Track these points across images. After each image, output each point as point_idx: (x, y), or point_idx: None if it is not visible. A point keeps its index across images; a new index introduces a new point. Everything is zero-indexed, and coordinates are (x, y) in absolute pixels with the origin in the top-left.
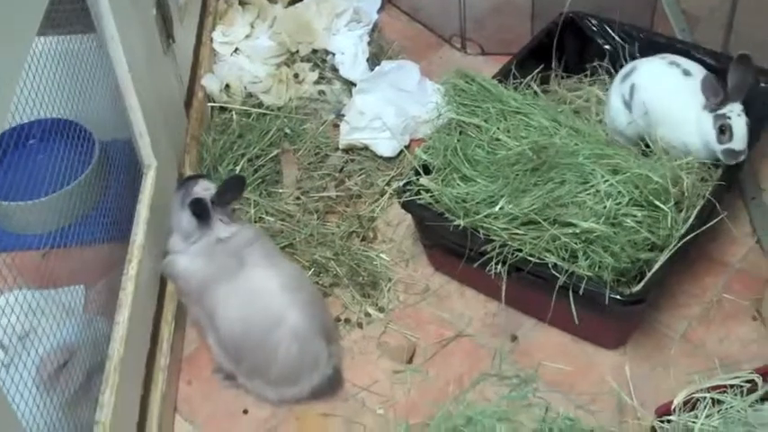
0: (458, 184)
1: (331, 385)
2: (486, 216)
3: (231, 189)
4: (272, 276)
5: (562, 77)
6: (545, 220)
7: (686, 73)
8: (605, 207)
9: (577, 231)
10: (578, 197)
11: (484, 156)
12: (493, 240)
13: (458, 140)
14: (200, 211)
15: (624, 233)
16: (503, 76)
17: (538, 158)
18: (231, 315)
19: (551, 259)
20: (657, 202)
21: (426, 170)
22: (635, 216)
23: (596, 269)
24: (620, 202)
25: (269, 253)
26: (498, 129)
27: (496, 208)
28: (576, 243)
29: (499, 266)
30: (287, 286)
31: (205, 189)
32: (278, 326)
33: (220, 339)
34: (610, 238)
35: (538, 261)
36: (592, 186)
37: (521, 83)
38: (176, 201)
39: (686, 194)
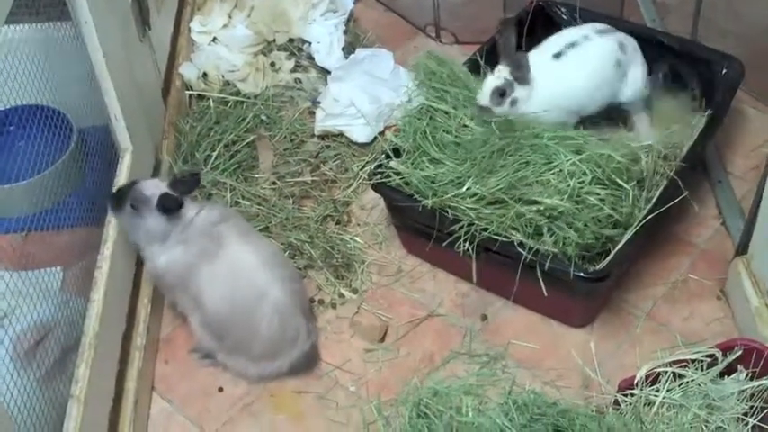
0: (426, 167)
1: (308, 361)
2: (453, 196)
3: (186, 183)
4: (251, 252)
5: None
6: (510, 198)
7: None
8: (569, 186)
9: (542, 208)
10: (542, 177)
11: (452, 140)
12: (461, 220)
13: (427, 125)
14: (171, 205)
15: (588, 210)
16: (472, 63)
17: (502, 139)
18: (217, 294)
19: (517, 237)
20: (620, 181)
21: (397, 153)
22: (597, 194)
23: (561, 245)
24: (582, 181)
25: (244, 230)
26: (465, 115)
27: (464, 188)
28: (540, 220)
29: (467, 245)
30: (267, 263)
31: (155, 186)
32: (261, 300)
33: (206, 319)
34: (573, 214)
35: (504, 239)
36: (555, 166)
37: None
38: (128, 216)
39: (645, 174)
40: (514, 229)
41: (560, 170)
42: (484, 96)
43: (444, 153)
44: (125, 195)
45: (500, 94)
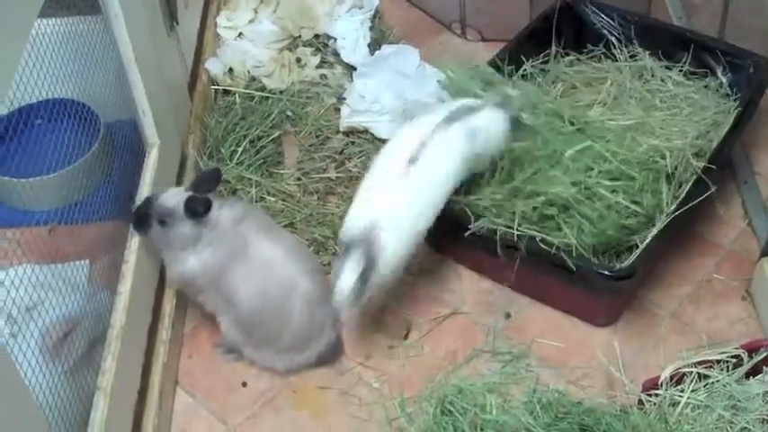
0: None
1: (334, 352)
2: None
3: (208, 179)
4: (278, 246)
5: (562, 56)
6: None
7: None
8: (574, 179)
9: (549, 198)
10: (548, 174)
11: None
12: (484, 217)
13: None
14: (200, 208)
15: (601, 201)
16: (500, 60)
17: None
18: (251, 290)
19: (533, 232)
20: (630, 171)
21: None
22: (607, 185)
23: (578, 235)
24: (590, 175)
25: (267, 225)
26: None
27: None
28: (551, 213)
29: (492, 244)
30: (293, 256)
31: (175, 195)
32: (292, 292)
33: (239, 316)
34: (584, 203)
35: (528, 236)
36: (558, 162)
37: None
38: (157, 233)
39: (670, 170)
40: (528, 221)
41: (564, 165)
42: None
43: None
44: (149, 214)
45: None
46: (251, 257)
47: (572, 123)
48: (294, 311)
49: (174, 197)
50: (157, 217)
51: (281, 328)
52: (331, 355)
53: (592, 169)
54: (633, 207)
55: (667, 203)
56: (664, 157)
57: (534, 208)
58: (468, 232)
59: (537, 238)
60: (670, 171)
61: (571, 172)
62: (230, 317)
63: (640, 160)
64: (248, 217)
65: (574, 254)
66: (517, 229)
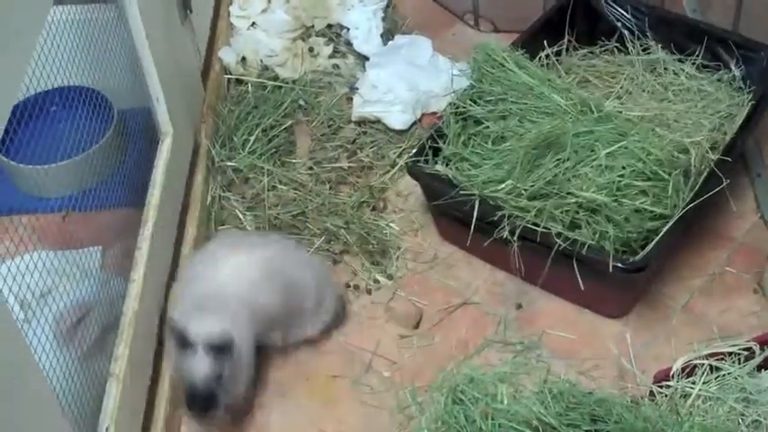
0: (468, 169)
1: (341, 308)
2: (492, 191)
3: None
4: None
5: (575, 48)
6: (547, 194)
7: None
8: (607, 180)
9: (580, 201)
10: (580, 171)
11: (490, 148)
12: (500, 208)
13: (468, 137)
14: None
15: (629, 204)
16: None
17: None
18: (276, 300)
19: (556, 228)
20: (662, 173)
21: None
22: (638, 186)
23: (598, 240)
24: (622, 175)
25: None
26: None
27: (502, 185)
28: (579, 212)
29: (505, 235)
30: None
31: (201, 367)
32: (303, 270)
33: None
34: (613, 209)
35: (543, 230)
36: (593, 160)
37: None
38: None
39: (693, 165)
40: (553, 220)
41: (599, 165)
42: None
43: (484, 159)
44: (214, 394)
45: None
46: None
47: (599, 111)
48: (305, 279)
49: (201, 369)
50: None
51: (301, 298)
52: (341, 310)
53: (624, 168)
54: (659, 210)
55: (683, 199)
56: (684, 152)
57: (564, 211)
58: (487, 224)
59: (553, 231)
60: (693, 167)
61: (602, 170)
62: (284, 335)
63: (666, 158)
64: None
65: (586, 246)
66: (543, 227)
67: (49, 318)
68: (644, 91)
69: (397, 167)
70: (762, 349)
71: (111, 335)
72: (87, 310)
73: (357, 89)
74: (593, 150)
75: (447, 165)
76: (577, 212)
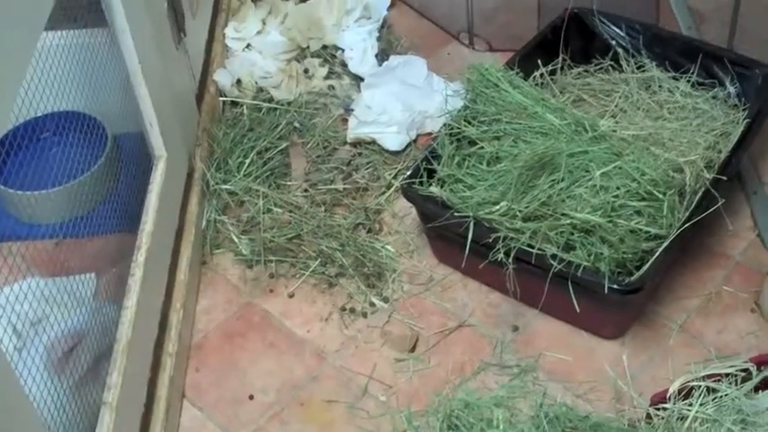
0: (462, 190)
1: None
2: (487, 213)
3: None
4: None
5: (569, 67)
6: (542, 216)
7: None
8: (601, 200)
9: (574, 223)
10: (574, 192)
11: (485, 169)
12: (495, 230)
13: (463, 158)
14: None
15: (623, 224)
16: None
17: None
18: None
19: (551, 250)
20: (656, 193)
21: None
22: (633, 207)
23: (593, 261)
24: (616, 195)
25: None
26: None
27: (496, 207)
28: (573, 234)
29: (500, 257)
30: None
31: None
32: None
33: None
34: (607, 229)
35: (538, 252)
36: (588, 180)
37: (527, 78)
38: None
39: (688, 185)
40: (548, 241)
41: (593, 185)
42: None
43: (478, 181)
44: None
45: None
46: None
47: (594, 130)
48: None
49: None
50: None
51: None
52: None
53: (618, 189)
54: (654, 231)
55: (679, 218)
56: (679, 171)
57: (558, 232)
58: (482, 246)
59: (548, 253)
60: (688, 187)
61: (597, 191)
62: None
63: (660, 178)
64: None
65: (581, 268)
66: (537, 249)
67: (39, 347)
68: (639, 109)
69: (392, 189)
70: (759, 370)
71: (104, 363)
72: (80, 339)
73: (352, 110)
74: (587, 171)
75: (442, 186)
76: (572, 234)
